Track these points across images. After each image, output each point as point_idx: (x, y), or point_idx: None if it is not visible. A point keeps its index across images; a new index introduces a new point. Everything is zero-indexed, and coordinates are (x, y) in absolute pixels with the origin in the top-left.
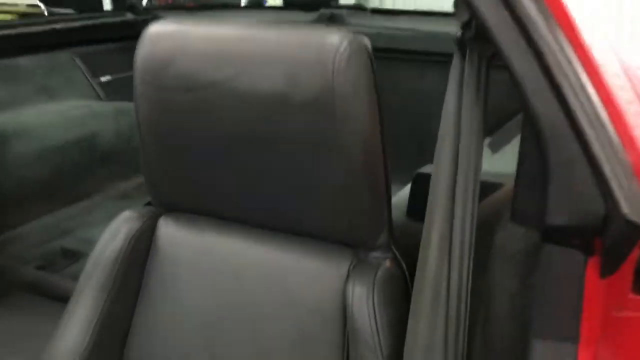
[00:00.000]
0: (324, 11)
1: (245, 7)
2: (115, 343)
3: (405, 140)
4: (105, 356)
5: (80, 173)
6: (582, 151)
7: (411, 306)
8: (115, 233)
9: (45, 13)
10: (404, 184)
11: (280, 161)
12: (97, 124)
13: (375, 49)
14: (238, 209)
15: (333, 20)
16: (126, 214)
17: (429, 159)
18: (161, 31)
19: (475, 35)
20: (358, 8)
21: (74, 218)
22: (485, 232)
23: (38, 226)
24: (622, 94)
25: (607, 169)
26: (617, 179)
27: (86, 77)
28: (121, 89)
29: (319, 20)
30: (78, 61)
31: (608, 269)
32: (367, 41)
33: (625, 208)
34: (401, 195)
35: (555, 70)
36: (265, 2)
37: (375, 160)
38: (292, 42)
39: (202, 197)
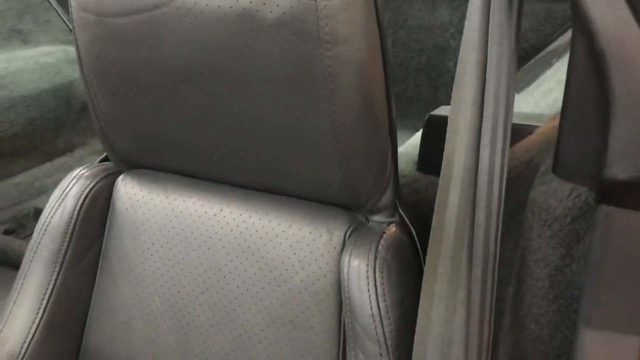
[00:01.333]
0: None
1: None
2: (71, 325)
3: (416, 80)
4: (59, 341)
5: (57, 125)
6: None
7: (423, 283)
8: (64, 194)
9: None
10: (415, 130)
11: (253, 100)
12: (75, 70)
13: None
14: (207, 164)
15: None
16: (77, 172)
17: (443, 100)
18: None
19: None
20: None
21: (51, 175)
22: (515, 185)
23: (10, 186)
24: None
25: None
26: None
27: (62, 19)
28: None
29: None
30: (53, 1)
31: None
32: None
33: None
34: (410, 143)
35: None
36: None
37: (375, 97)
38: None
39: (164, 150)
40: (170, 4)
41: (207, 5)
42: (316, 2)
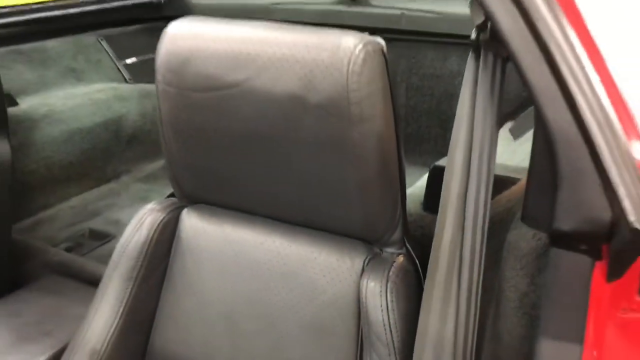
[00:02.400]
0: None
1: None
2: (141, 329)
3: (429, 122)
4: (132, 341)
5: (107, 155)
6: (592, 160)
7: (423, 301)
8: (140, 224)
9: None
10: (425, 166)
11: (297, 158)
12: (123, 106)
13: (398, 31)
14: (257, 202)
15: (356, 1)
16: (150, 206)
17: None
18: (181, 30)
19: (490, 37)
20: None
21: (101, 199)
22: (498, 228)
23: (67, 208)
24: (636, 103)
25: (615, 178)
26: (625, 188)
27: (112, 59)
28: (145, 71)
29: (342, 1)
30: (104, 43)
31: (614, 273)
32: (382, 44)
33: (632, 216)
34: (418, 186)
35: (569, 79)
36: None
37: (389, 160)
38: (308, 44)
39: (223, 190)
40: (240, 85)
41: (266, 88)
42: (347, 92)
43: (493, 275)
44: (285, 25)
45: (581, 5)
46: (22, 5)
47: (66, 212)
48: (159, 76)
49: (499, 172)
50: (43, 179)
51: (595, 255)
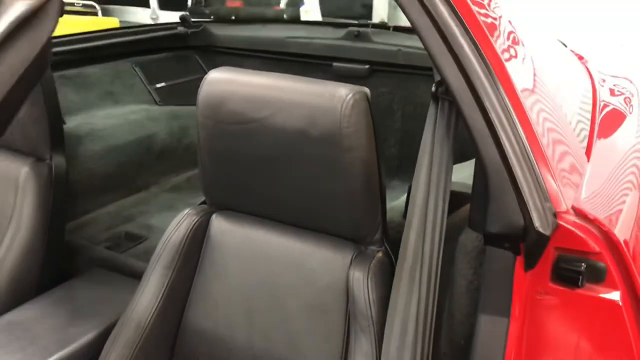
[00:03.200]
0: (352, 29)
1: (284, 20)
2: (177, 308)
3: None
4: (169, 318)
5: (139, 168)
6: (511, 182)
7: (393, 285)
8: (179, 225)
9: (99, 11)
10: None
11: (301, 176)
12: (154, 125)
13: (395, 65)
14: (270, 209)
15: (359, 37)
16: (187, 211)
17: None
18: (217, 77)
19: (445, 91)
20: (381, 27)
21: (134, 207)
22: (456, 233)
23: (105, 213)
24: (548, 138)
25: (527, 196)
26: (534, 202)
27: (144, 84)
28: (173, 94)
29: (347, 37)
30: (137, 69)
31: (529, 265)
32: (367, 92)
33: (537, 222)
34: (402, 199)
35: (497, 125)
36: (301, 4)
37: (371, 179)
38: (312, 92)
39: (244, 200)
40: (261, 121)
41: (280, 124)
42: (340, 128)
43: (449, 268)
44: (295, 77)
45: (510, 66)
46: (67, 35)
47: (104, 217)
48: (199, 111)
49: (459, 188)
50: (85, 187)
51: (515, 251)
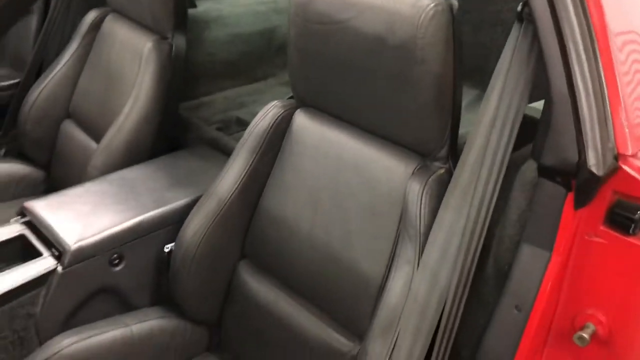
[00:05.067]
0: None
1: None
2: (254, 190)
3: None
4: (247, 198)
5: (259, 59)
6: (574, 116)
7: (443, 200)
8: (265, 114)
9: None
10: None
11: (373, 83)
12: (278, 19)
13: None
14: (347, 112)
15: None
16: (275, 102)
17: None
18: None
19: (530, 12)
20: None
21: (249, 95)
22: (520, 164)
23: (221, 98)
24: (633, 79)
25: (587, 132)
26: (593, 140)
27: None
28: None
29: None
30: None
31: (579, 203)
32: (454, 4)
33: (591, 160)
34: None
35: (571, 54)
36: None
37: (443, 95)
38: None
39: (325, 99)
40: (344, 23)
41: (361, 27)
42: (415, 40)
43: (507, 194)
44: None
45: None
46: None
47: (220, 101)
48: (291, 8)
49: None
50: (206, 71)
51: (567, 187)
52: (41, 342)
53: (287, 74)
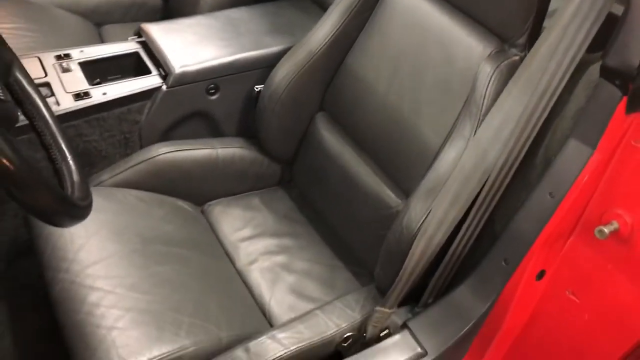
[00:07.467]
0: None
1: None
2: (342, 49)
3: None
4: (333, 55)
5: None
6: None
7: (506, 86)
8: None
9: None
10: None
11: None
12: None
13: None
14: None
15: None
16: None
17: None
18: None
19: None
20: None
21: None
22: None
23: None
24: None
25: None
26: None
27: None
28: None
29: None
30: None
31: (631, 107)
32: None
33: None
34: None
35: None
36: None
37: None
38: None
39: None
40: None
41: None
42: None
43: (570, 91)
44: None
45: None
46: None
47: None
48: None
49: None
50: None
51: (623, 91)
52: (142, 145)
53: None
